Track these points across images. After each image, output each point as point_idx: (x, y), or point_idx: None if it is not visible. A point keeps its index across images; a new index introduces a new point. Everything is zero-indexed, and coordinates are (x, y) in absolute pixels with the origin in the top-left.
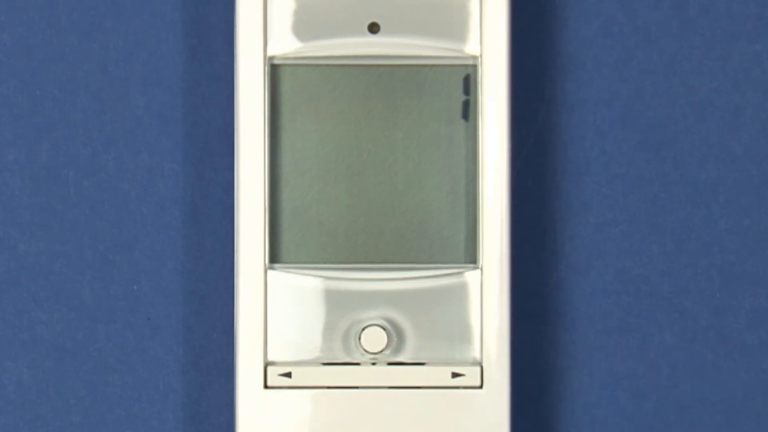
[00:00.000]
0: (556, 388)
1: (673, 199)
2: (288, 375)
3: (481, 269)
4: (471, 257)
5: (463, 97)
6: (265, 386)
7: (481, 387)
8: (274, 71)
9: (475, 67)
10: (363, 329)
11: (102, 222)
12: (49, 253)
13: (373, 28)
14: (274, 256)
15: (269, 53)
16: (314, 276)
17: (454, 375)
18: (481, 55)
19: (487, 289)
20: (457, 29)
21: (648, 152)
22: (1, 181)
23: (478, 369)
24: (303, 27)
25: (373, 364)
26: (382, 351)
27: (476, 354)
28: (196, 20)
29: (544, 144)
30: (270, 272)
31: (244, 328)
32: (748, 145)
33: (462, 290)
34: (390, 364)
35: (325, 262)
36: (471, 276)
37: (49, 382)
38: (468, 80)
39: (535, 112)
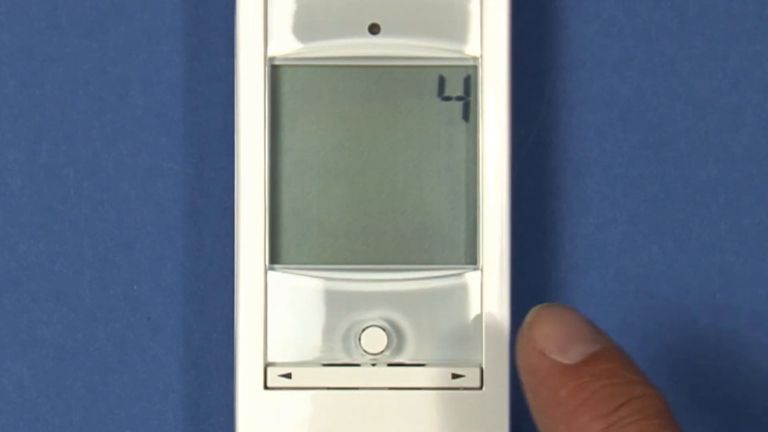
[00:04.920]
0: None
1: (673, 199)
2: (288, 376)
3: (481, 270)
4: (471, 258)
5: (463, 98)
6: (265, 387)
7: (481, 388)
8: (275, 72)
9: (475, 67)
10: (363, 330)
11: (102, 222)
12: (49, 253)
13: (374, 29)
14: (275, 257)
15: (269, 54)
16: (314, 276)
17: (454, 376)
18: (481, 56)
19: (487, 289)
20: (458, 30)
21: (648, 152)
22: (1, 181)
23: (478, 370)
24: (303, 28)
25: (373, 365)
26: (382, 352)
27: (476, 355)
28: (196, 20)
29: (544, 144)
30: (270, 273)
31: (244, 328)
32: (748, 145)
33: (462, 291)
34: (390, 365)
35: (325, 263)
36: (471, 276)
37: (49, 382)
38: (468, 81)
39: (535, 112)
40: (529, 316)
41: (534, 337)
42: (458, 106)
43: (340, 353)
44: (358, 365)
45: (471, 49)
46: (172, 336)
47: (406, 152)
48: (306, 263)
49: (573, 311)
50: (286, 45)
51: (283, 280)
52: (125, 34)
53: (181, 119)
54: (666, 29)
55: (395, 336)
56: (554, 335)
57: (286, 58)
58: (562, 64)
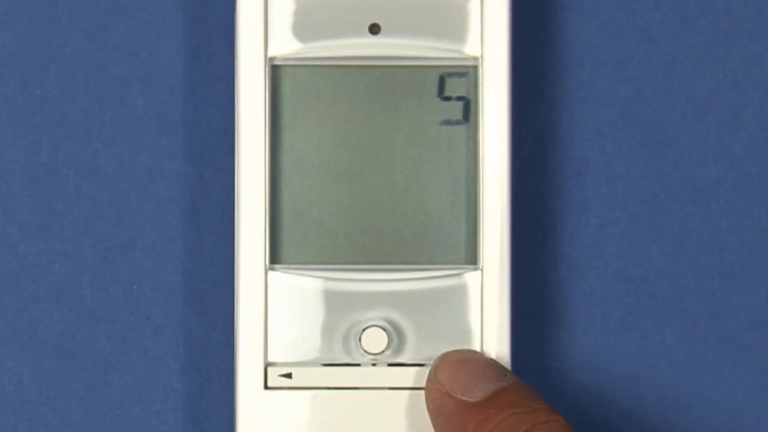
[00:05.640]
0: (556, 387)
1: (673, 199)
2: (288, 376)
3: (481, 270)
4: (471, 258)
5: (463, 98)
6: (266, 387)
7: None
8: (275, 72)
9: (475, 67)
10: (363, 330)
11: (102, 222)
12: (49, 253)
13: (374, 29)
14: (275, 257)
15: (270, 54)
16: (314, 277)
17: None
18: (481, 56)
19: (487, 289)
20: (458, 30)
21: (648, 152)
22: (1, 181)
23: None
24: (304, 28)
25: (374, 364)
26: (382, 352)
27: None
28: (196, 20)
29: (544, 144)
30: (270, 273)
31: (244, 328)
32: (748, 145)
33: (462, 291)
34: (390, 365)
35: (325, 263)
36: (471, 277)
37: (49, 382)
38: (468, 81)
39: (535, 112)
40: (435, 362)
41: (440, 380)
42: (458, 106)
43: (340, 353)
44: (358, 365)
45: (471, 49)
46: (172, 336)
47: (406, 152)
48: (306, 263)
49: (477, 354)
50: (286, 45)
51: (283, 280)
52: (125, 34)
53: (181, 119)
54: (666, 29)
55: (395, 336)
56: (459, 377)
57: (286, 58)
58: (562, 64)
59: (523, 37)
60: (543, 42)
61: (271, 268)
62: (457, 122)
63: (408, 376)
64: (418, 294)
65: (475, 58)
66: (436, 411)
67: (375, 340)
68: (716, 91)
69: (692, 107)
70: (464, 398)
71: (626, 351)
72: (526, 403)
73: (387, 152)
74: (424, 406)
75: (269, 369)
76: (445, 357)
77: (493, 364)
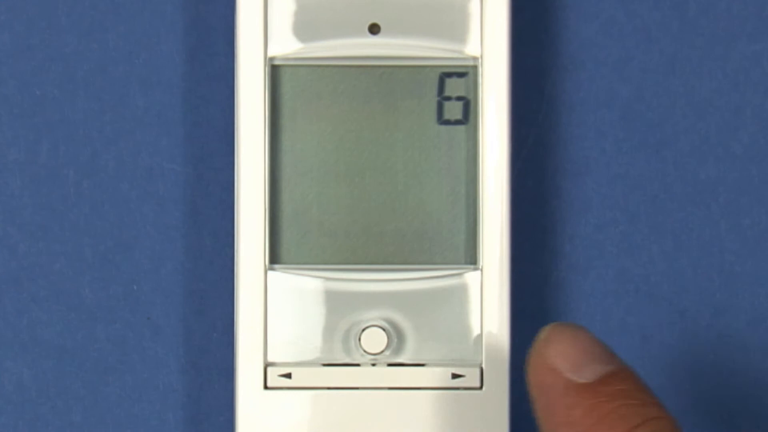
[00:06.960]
0: None
1: (673, 199)
2: (288, 376)
3: (481, 270)
4: (471, 258)
5: (463, 98)
6: (265, 387)
7: (481, 388)
8: (275, 72)
9: (475, 67)
10: (363, 330)
11: (102, 222)
12: (49, 253)
13: (374, 29)
14: (275, 257)
15: (270, 54)
16: (314, 277)
17: (454, 376)
18: (481, 56)
19: (487, 289)
20: (458, 30)
21: (648, 152)
22: (1, 181)
23: (477, 370)
24: (303, 28)
25: (373, 365)
26: (382, 352)
27: (476, 355)
28: (196, 20)
29: (544, 144)
30: (270, 273)
31: (244, 328)
32: (748, 145)
33: (462, 291)
34: (390, 365)
35: (325, 263)
36: (471, 277)
37: (49, 382)
38: (468, 81)
39: (535, 112)
40: (543, 334)
41: (548, 354)
42: (458, 106)
43: (340, 353)
44: (358, 365)
45: (471, 49)
46: (172, 336)
47: (406, 152)
48: (306, 263)
49: (586, 331)
50: (286, 45)
51: (283, 280)
52: (125, 34)
53: (181, 119)
54: (666, 29)
55: (395, 336)
56: (568, 354)
57: (286, 58)
58: (562, 64)
59: (523, 37)
60: (543, 42)
61: (271, 268)
62: (457, 122)
63: (408, 376)
64: (418, 294)
65: (475, 58)
66: (540, 387)
67: (375, 340)
68: (716, 91)
69: (692, 107)
70: (573, 378)
71: (626, 351)
72: (637, 395)
73: (387, 152)
74: (424, 406)
75: (269, 369)
76: (553, 330)
77: (602, 344)
